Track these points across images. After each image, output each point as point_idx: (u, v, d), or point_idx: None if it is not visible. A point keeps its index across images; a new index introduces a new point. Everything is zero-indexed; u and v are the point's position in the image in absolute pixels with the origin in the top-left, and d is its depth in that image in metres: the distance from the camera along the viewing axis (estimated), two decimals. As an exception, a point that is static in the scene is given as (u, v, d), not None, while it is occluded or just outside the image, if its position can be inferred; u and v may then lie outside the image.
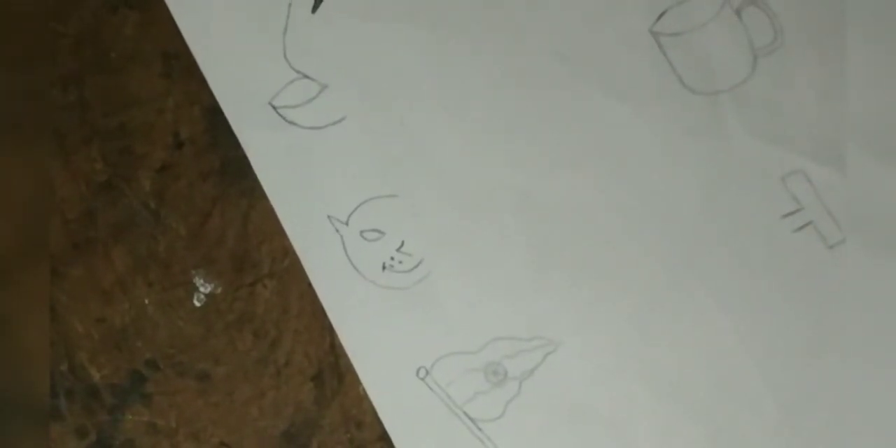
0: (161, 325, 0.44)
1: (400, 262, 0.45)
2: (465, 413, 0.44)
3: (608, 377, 0.44)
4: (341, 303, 0.44)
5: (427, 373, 0.44)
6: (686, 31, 0.47)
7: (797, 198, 0.45)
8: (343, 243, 0.45)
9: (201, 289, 0.44)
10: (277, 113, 0.46)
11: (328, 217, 0.45)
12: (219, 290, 0.44)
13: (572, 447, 0.44)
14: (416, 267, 0.45)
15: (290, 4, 0.46)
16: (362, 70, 0.46)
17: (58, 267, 0.44)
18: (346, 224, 0.45)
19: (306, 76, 0.46)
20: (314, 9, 0.45)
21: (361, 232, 0.45)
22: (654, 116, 0.46)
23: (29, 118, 0.44)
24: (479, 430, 0.44)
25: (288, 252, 0.45)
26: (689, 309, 0.45)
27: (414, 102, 0.45)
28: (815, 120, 0.46)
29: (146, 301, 0.44)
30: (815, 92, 0.46)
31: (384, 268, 0.45)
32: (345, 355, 0.44)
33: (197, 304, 0.44)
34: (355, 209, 0.45)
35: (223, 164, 0.45)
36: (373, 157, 0.45)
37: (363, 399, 0.44)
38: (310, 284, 0.44)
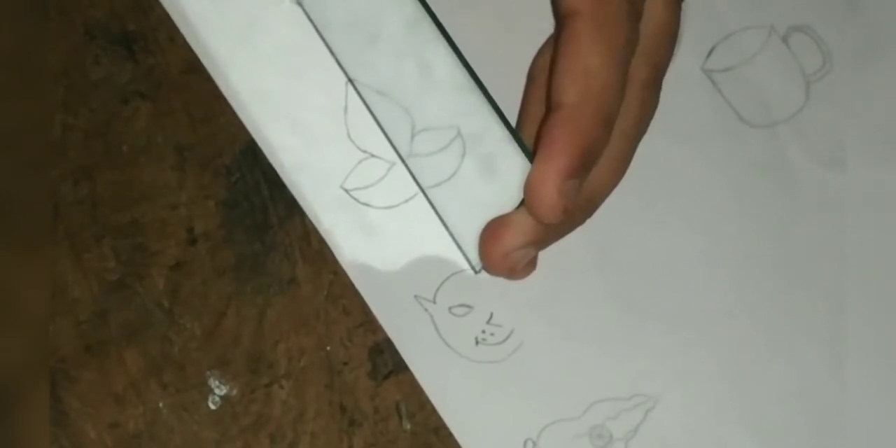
0: (176, 429, 0.42)
1: (492, 335, 0.44)
2: None
3: (710, 427, 0.44)
4: (439, 382, 0.44)
5: (534, 445, 0.43)
6: (737, 65, 0.47)
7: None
8: (433, 322, 0.44)
9: (216, 391, 0.43)
10: (350, 196, 0.45)
11: (415, 297, 0.44)
12: (234, 392, 0.43)
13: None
14: (507, 338, 0.44)
15: (346, 82, 0.45)
16: None
17: (70, 370, 0.42)
18: (434, 302, 0.44)
19: (373, 155, 0.45)
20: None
21: (450, 308, 0.44)
22: (718, 156, 0.46)
23: (39, 219, 0.43)
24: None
25: (304, 351, 0.43)
26: (779, 347, 0.44)
27: None
28: (872, 141, 0.46)
29: (160, 404, 0.43)
30: (868, 112, 0.47)
31: (477, 342, 0.44)
32: (365, 457, 0.43)
33: (212, 406, 0.43)
34: (441, 285, 0.44)
35: (238, 259, 0.44)
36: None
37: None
38: (326, 385, 0.43)
